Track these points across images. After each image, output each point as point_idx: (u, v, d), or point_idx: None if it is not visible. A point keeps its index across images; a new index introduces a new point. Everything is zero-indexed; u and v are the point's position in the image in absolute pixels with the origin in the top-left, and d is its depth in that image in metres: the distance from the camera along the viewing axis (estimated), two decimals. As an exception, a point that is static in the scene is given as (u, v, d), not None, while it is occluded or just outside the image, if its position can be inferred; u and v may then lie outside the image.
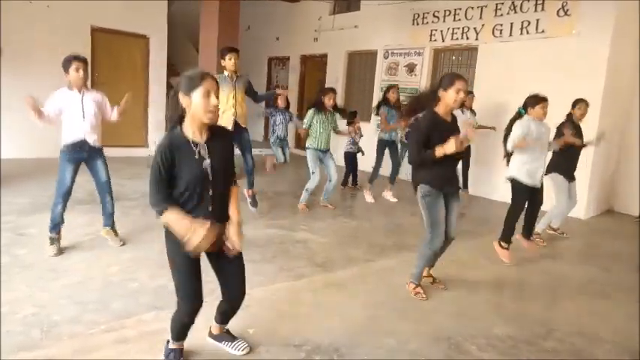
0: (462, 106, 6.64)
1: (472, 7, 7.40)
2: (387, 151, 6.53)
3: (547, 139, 4.35)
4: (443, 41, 7.89)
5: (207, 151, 2.13)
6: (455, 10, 7.66)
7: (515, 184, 4.32)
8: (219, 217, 2.22)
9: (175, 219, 2.04)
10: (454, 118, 3.38)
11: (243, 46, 8.39)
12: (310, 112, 5.69)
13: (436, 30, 7.96)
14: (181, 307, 2.24)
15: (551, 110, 5.06)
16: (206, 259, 2.32)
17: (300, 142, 9.31)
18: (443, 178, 3.28)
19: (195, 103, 2.04)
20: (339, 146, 7.23)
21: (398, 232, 5.16)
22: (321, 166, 5.78)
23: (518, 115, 4.32)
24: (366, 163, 7.67)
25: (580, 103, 5.00)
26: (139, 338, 2.60)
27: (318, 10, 10.18)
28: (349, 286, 3.61)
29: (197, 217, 2.12)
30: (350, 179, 7.35)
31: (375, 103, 8.78)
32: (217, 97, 2.09)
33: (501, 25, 7.05)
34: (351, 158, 7.11)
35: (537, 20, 6.62)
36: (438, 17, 7.93)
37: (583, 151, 5.21)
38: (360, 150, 7.05)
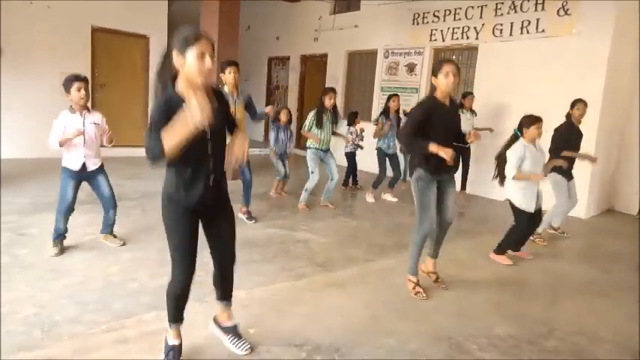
0: (462, 106, 6.64)
1: (472, 7, 7.40)
2: (388, 161, 6.54)
3: (542, 163, 4.30)
4: (443, 41, 7.88)
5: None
6: (455, 9, 7.66)
7: (513, 207, 4.31)
8: (218, 175, 2.24)
9: (171, 129, 1.92)
10: (453, 103, 3.44)
11: (243, 46, 8.41)
12: (311, 115, 5.67)
13: (436, 30, 7.96)
14: (176, 275, 2.22)
15: (551, 110, 5.10)
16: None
17: (300, 142, 9.32)
18: (438, 161, 3.27)
19: (189, 63, 2.00)
20: (339, 146, 7.23)
21: (398, 231, 5.16)
22: (322, 166, 5.78)
23: (515, 138, 4.23)
24: (365, 162, 7.67)
25: (578, 103, 4.98)
26: (139, 338, 2.60)
27: (319, 9, 10.18)
28: (350, 286, 3.60)
29: (198, 175, 2.14)
30: (350, 179, 7.35)
31: (375, 103, 8.82)
32: (212, 58, 2.04)
33: (501, 24, 7.04)
34: (351, 158, 7.11)
35: (537, 20, 6.61)
36: (438, 17, 7.93)
37: (585, 149, 5.21)
38: (359, 146, 7.01)
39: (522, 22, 6.78)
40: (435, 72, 3.29)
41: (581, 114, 4.97)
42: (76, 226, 4.08)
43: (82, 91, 3.71)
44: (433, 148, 3.12)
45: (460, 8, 7.58)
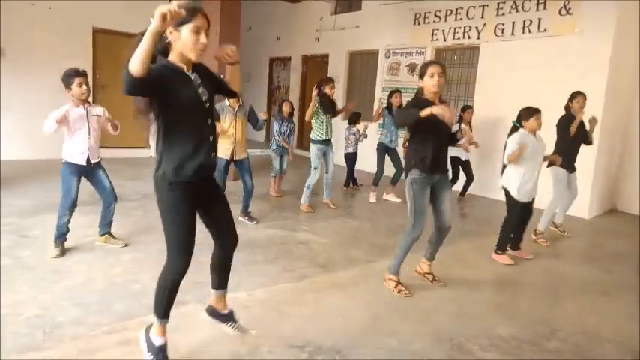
0: (461, 121, 6.60)
1: (474, 7, 7.39)
2: (387, 156, 6.55)
3: (542, 154, 4.32)
4: (445, 41, 7.88)
5: (198, 81, 2.14)
6: (456, 9, 7.65)
7: (507, 195, 4.33)
8: (214, 145, 2.24)
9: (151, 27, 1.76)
10: (442, 102, 3.46)
11: (244, 46, 8.41)
12: (314, 101, 5.67)
13: (438, 29, 7.96)
14: (175, 264, 2.19)
15: (553, 109, 5.08)
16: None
17: (302, 143, 9.32)
18: (432, 160, 3.32)
19: (184, 38, 1.99)
20: (339, 147, 7.23)
21: (399, 232, 5.11)
22: (322, 163, 5.79)
23: (515, 129, 4.29)
24: (365, 163, 7.67)
25: (578, 96, 4.97)
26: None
27: (320, 10, 10.19)
28: (351, 287, 3.61)
29: (198, 148, 2.12)
30: (350, 180, 7.35)
31: (376, 103, 8.81)
32: (207, 36, 2.02)
33: (503, 24, 7.04)
34: (351, 160, 7.10)
35: (539, 19, 6.61)
36: (439, 17, 7.93)
37: (585, 151, 5.21)
38: (364, 136, 6.97)
39: (524, 21, 6.77)
40: (421, 74, 3.34)
41: (581, 106, 4.95)
42: (76, 227, 4.08)
43: (84, 86, 3.74)
44: (426, 111, 3.07)
45: (462, 8, 7.57)
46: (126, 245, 4.11)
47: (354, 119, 7.04)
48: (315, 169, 5.70)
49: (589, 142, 5.12)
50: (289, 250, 4.36)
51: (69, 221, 3.86)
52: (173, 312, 2.33)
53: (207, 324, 2.64)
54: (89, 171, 3.90)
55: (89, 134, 3.82)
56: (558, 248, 4.97)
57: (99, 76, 8.34)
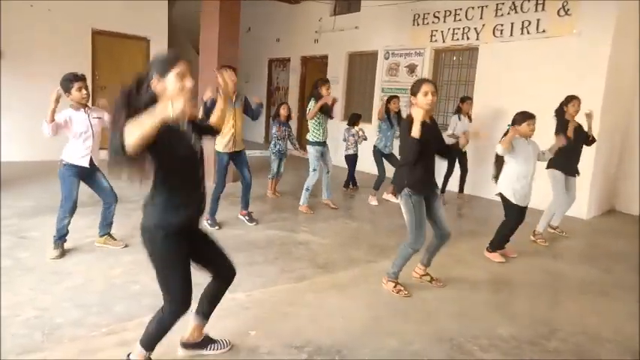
0: (459, 111, 6.63)
1: (472, 8, 7.39)
2: (385, 160, 6.55)
3: (534, 157, 4.30)
4: (443, 41, 7.88)
5: (190, 130, 2.16)
6: (455, 10, 7.65)
7: (504, 200, 4.34)
8: (205, 197, 2.25)
9: (139, 120, 1.75)
10: (433, 120, 3.54)
11: (243, 47, 8.42)
12: (312, 103, 5.65)
13: (437, 30, 7.96)
14: (174, 308, 2.17)
15: (552, 110, 5.08)
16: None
17: (301, 144, 9.32)
18: (424, 182, 3.40)
19: (169, 85, 1.99)
20: (339, 148, 7.23)
21: (399, 233, 5.13)
22: (321, 164, 5.79)
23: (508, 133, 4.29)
24: (366, 164, 7.66)
25: (573, 100, 4.96)
26: (141, 340, 2.60)
27: (319, 11, 10.19)
28: (351, 287, 3.61)
29: (191, 199, 2.14)
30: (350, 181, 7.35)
31: (375, 104, 8.81)
32: (191, 80, 2.04)
33: (502, 25, 7.04)
34: (352, 160, 7.10)
35: (538, 20, 6.61)
36: (438, 17, 7.93)
37: (585, 151, 5.21)
38: (363, 138, 6.96)
39: (523, 22, 6.77)
40: (414, 92, 3.32)
41: (576, 110, 4.96)
42: (76, 229, 4.08)
43: (84, 91, 3.77)
44: (415, 129, 3.14)
45: (460, 9, 7.57)
46: (125, 246, 4.10)
47: (353, 120, 7.03)
48: (314, 170, 5.71)
49: (591, 142, 5.11)
50: (289, 250, 4.36)
51: (69, 223, 3.86)
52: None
53: (206, 326, 2.63)
54: (88, 173, 3.91)
55: (93, 137, 3.84)
56: (557, 248, 4.97)
57: (98, 77, 8.35)
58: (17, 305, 2.95)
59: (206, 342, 2.55)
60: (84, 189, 3.96)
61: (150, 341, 2.25)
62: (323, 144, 5.74)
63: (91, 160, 3.86)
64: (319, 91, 5.59)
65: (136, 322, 2.79)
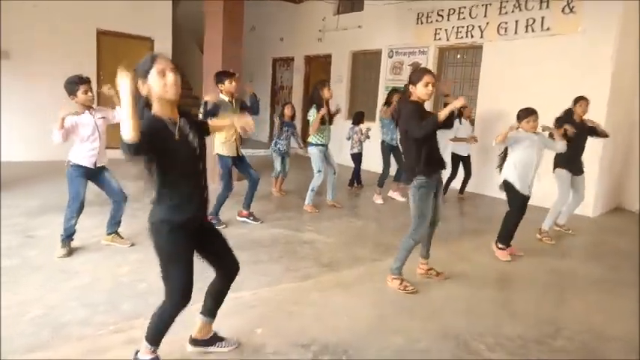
0: (460, 115, 6.60)
1: (477, 6, 7.37)
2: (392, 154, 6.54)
3: (539, 147, 4.30)
4: (447, 40, 7.87)
5: (187, 127, 2.17)
6: (459, 8, 7.63)
7: (509, 188, 4.33)
8: (207, 191, 2.27)
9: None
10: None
11: (247, 46, 8.42)
12: (313, 111, 5.64)
13: (440, 29, 7.94)
14: (175, 300, 2.20)
15: (556, 108, 5.07)
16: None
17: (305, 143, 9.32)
18: (437, 162, 3.46)
19: (153, 85, 2.02)
20: (343, 147, 7.23)
21: (404, 231, 5.08)
22: (326, 166, 5.79)
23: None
24: (370, 163, 7.67)
25: (581, 100, 5.00)
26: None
27: (322, 10, 10.18)
28: (356, 286, 3.61)
29: (194, 196, 2.18)
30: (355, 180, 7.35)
31: (379, 102, 8.79)
32: (174, 73, 2.05)
33: (506, 23, 7.02)
34: (357, 159, 7.10)
35: (542, 18, 6.59)
36: (442, 16, 7.91)
37: (591, 149, 5.19)
38: (367, 137, 6.94)
39: (527, 20, 6.75)
40: (414, 80, 3.33)
41: (584, 111, 4.99)
42: (83, 229, 4.10)
43: (89, 93, 3.79)
44: (446, 111, 3.17)
45: (464, 7, 7.55)
46: (132, 245, 4.12)
47: (358, 119, 7.03)
48: (319, 171, 5.71)
49: (601, 134, 5.05)
50: (294, 249, 4.37)
51: (76, 222, 3.88)
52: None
53: (213, 324, 2.64)
54: (95, 173, 3.93)
55: (99, 139, 3.87)
56: (563, 246, 4.96)
57: (103, 77, 8.37)
58: (24, 303, 2.97)
59: (214, 340, 2.56)
60: (91, 189, 3.98)
61: (154, 335, 2.27)
62: (324, 146, 5.74)
63: (96, 161, 3.88)
64: (320, 94, 5.57)
65: (143, 320, 2.78)
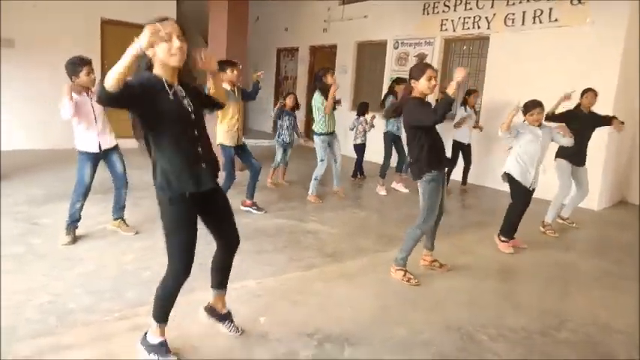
0: (465, 103, 6.58)
1: (484, -4, 7.30)
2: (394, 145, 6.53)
3: (545, 141, 4.27)
4: (454, 31, 7.80)
5: (184, 93, 2.15)
6: (466, -1, 7.56)
7: (511, 180, 4.33)
8: (209, 160, 2.25)
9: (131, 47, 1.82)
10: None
11: (252, 36, 8.39)
12: (318, 96, 5.61)
13: (447, 19, 7.88)
14: (179, 271, 2.20)
15: (565, 101, 5.02)
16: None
17: (307, 134, 9.31)
18: (442, 156, 3.51)
19: (158, 47, 2.00)
20: (348, 137, 7.21)
21: (407, 222, 5.07)
22: (329, 154, 5.77)
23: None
24: (372, 154, 7.64)
25: (588, 92, 5.00)
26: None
27: (327, 0, 10.11)
28: (360, 277, 3.61)
29: (189, 161, 2.15)
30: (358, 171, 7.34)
31: (384, 93, 8.74)
32: (182, 40, 2.02)
33: (513, 14, 6.95)
34: (360, 150, 7.08)
35: (550, 9, 6.52)
36: (448, 6, 7.84)
37: (596, 143, 5.16)
38: (372, 126, 6.92)
39: (535, 11, 6.68)
40: (416, 75, 3.32)
41: (590, 102, 4.99)
42: (87, 216, 4.11)
43: (92, 75, 3.79)
44: (452, 87, 3.11)
45: (471, -2, 7.48)
46: (137, 233, 4.14)
47: (362, 110, 7.00)
48: (322, 160, 5.69)
49: (611, 120, 5.02)
50: (297, 239, 4.37)
51: (81, 208, 3.90)
52: (182, 299, 2.34)
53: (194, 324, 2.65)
54: (104, 156, 3.94)
55: (95, 120, 3.86)
56: (567, 240, 4.94)
57: (107, 66, 8.33)
58: (31, 290, 2.99)
59: (226, 317, 2.59)
60: (96, 177, 3.98)
61: (159, 311, 2.29)
62: (329, 134, 5.72)
63: (99, 145, 3.88)
64: (325, 81, 5.55)
65: (148, 307, 2.80)
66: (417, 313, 3.07)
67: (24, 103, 7.62)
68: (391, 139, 6.48)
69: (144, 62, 2.04)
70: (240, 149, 5.00)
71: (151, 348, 2.30)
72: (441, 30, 7.97)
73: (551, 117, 4.89)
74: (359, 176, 7.31)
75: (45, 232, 4.08)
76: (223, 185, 4.86)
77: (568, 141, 4.39)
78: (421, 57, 8.31)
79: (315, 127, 5.71)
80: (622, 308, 3.38)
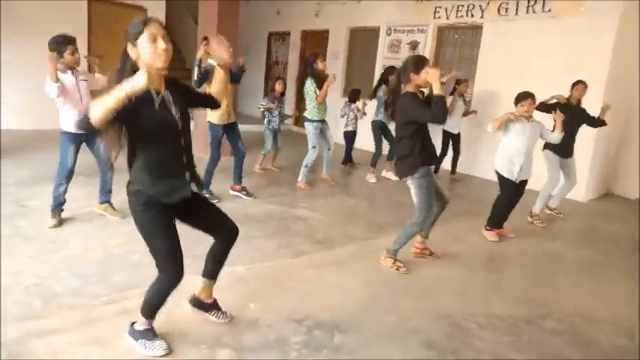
0: (454, 92, 6.58)
1: (478, -16, 7.25)
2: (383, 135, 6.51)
3: (533, 135, 4.27)
4: (447, 18, 7.75)
5: (171, 99, 2.09)
6: (460, -14, 7.50)
7: (499, 176, 4.36)
8: (193, 171, 2.21)
9: (106, 95, 1.74)
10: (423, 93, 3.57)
11: (243, 19, 8.25)
12: (310, 83, 5.53)
13: (440, 7, 7.81)
14: (169, 276, 2.16)
15: (555, 92, 5.03)
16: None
17: (299, 120, 9.26)
18: (432, 151, 3.49)
19: (142, 50, 1.93)
20: (338, 125, 7.18)
21: (397, 210, 5.14)
22: (321, 141, 5.73)
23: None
24: (363, 141, 7.62)
25: (578, 84, 5.02)
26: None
27: (321, -17, 9.97)
28: (350, 264, 3.62)
29: (173, 171, 2.11)
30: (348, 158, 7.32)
31: (376, 80, 8.69)
32: (165, 41, 1.96)
33: (507, 3, 6.92)
34: (350, 137, 7.05)
35: (544, -1, 6.50)
36: (442, -6, 7.78)
37: (584, 135, 5.20)
38: (363, 114, 6.87)
39: (528, 0, 6.66)
40: (417, 69, 3.27)
41: (581, 94, 5.02)
42: (73, 199, 4.05)
43: (76, 54, 3.72)
44: (437, 86, 3.13)
45: (465, -15, 7.42)
46: (124, 217, 4.08)
47: (353, 96, 6.95)
48: (314, 147, 5.65)
49: (599, 122, 5.07)
50: (287, 225, 4.35)
51: (65, 191, 3.83)
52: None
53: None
54: (87, 139, 3.85)
55: (81, 100, 3.77)
56: (554, 230, 5.00)
57: (94, 46, 8.17)
58: (18, 273, 2.94)
59: (212, 306, 2.56)
60: (81, 160, 3.91)
61: (148, 309, 2.26)
62: (321, 121, 5.68)
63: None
64: (316, 67, 5.46)
65: (137, 291, 2.77)
66: (407, 300, 3.08)
67: (9, 83, 7.44)
68: (379, 128, 6.46)
69: (128, 65, 1.96)
70: (230, 130, 4.90)
71: (138, 334, 2.28)
72: (435, 17, 7.92)
73: (541, 107, 4.89)
74: (349, 164, 7.28)
75: (32, 214, 4.01)
76: (207, 167, 4.81)
77: (556, 137, 4.40)
78: (413, 45, 8.26)
79: (308, 114, 5.64)
80: (608, 298, 3.43)
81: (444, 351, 2.54)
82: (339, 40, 9.70)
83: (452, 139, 6.78)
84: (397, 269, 3.49)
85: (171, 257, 2.15)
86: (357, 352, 2.46)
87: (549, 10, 6.46)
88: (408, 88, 3.32)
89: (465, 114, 6.78)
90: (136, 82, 1.73)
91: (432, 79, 3.17)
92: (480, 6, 7.26)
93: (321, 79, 5.47)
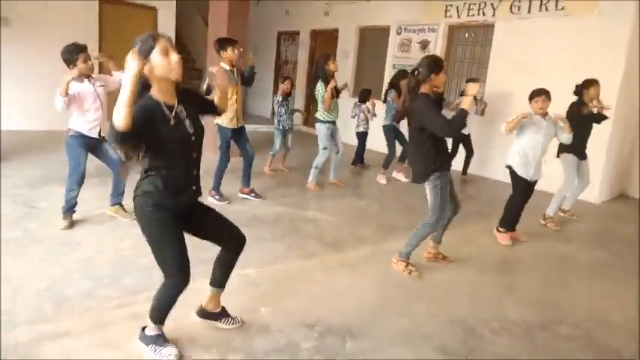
0: (462, 94, 6.49)
1: (489, -17, 7.17)
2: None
3: (548, 133, 4.21)
4: (458, 17, 7.67)
5: (185, 113, 2.11)
6: (471, -15, 7.42)
7: (512, 173, 4.29)
8: (198, 182, 2.25)
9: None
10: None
11: (252, 19, 8.23)
12: (320, 86, 5.49)
13: (451, 5, 7.73)
14: (175, 281, 2.17)
15: (567, 92, 4.95)
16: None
17: (308, 120, 9.24)
18: (447, 156, 3.49)
19: (156, 64, 1.96)
20: (349, 125, 7.14)
21: (408, 212, 5.09)
22: (331, 143, 5.69)
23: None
24: (375, 142, 7.57)
25: (595, 84, 4.86)
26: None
27: (330, -17, 9.93)
28: (361, 266, 3.59)
29: (183, 183, 2.14)
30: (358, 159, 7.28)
31: (386, 80, 8.64)
32: (177, 52, 2.01)
33: (519, 1, 6.83)
34: (363, 138, 7.01)
35: (557, -3, 6.40)
36: (453, -8, 7.71)
37: (598, 135, 5.11)
38: (373, 115, 6.83)
39: (541, -1, 6.57)
40: (437, 69, 3.23)
41: (598, 94, 4.86)
42: (84, 200, 4.06)
43: (89, 62, 3.73)
44: (466, 101, 3.12)
45: (477, -16, 7.34)
46: (134, 220, 4.07)
47: (364, 96, 6.90)
48: (325, 149, 5.61)
49: (601, 117, 4.98)
50: (297, 227, 4.33)
51: (77, 194, 3.84)
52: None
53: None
54: (95, 145, 3.87)
55: (101, 108, 3.81)
56: (568, 232, 4.93)
57: (105, 47, 8.21)
58: (28, 276, 2.95)
59: (221, 314, 2.55)
60: (91, 161, 3.92)
61: (157, 315, 2.26)
62: (332, 123, 5.64)
63: (99, 131, 3.82)
64: (327, 68, 5.42)
65: (146, 295, 2.77)
66: (420, 305, 3.04)
67: (20, 82, 7.50)
68: (392, 131, 6.41)
69: (140, 82, 1.95)
70: (238, 133, 4.90)
71: (149, 339, 2.27)
72: (446, 16, 7.84)
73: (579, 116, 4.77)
74: (359, 164, 7.24)
75: (42, 215, 4.03)
76: (217, 168, 4.80)
77: (566, 138, 4.33)
78: (424, 44, 8.19)
79: (320, 115, 5.60)
80: (622, 302, 3.37)
81: (458, 357, 2.50)
82: (349, 40, 9.66)
83: (462, 141, 6.70)
84: (409, 273, 3.45)
85: (177, 265, 2.16)
86: (370, 358, 2.43)
87: (562, 9, 6.37)
88: (424, 89, 3.26)
89: (479, 112, 6.62)
90: (131, 70, 1.79)
91: (471, 92, 3.15)
92: (492, 4, 7.17)
93: (329, 80, 5.43)
